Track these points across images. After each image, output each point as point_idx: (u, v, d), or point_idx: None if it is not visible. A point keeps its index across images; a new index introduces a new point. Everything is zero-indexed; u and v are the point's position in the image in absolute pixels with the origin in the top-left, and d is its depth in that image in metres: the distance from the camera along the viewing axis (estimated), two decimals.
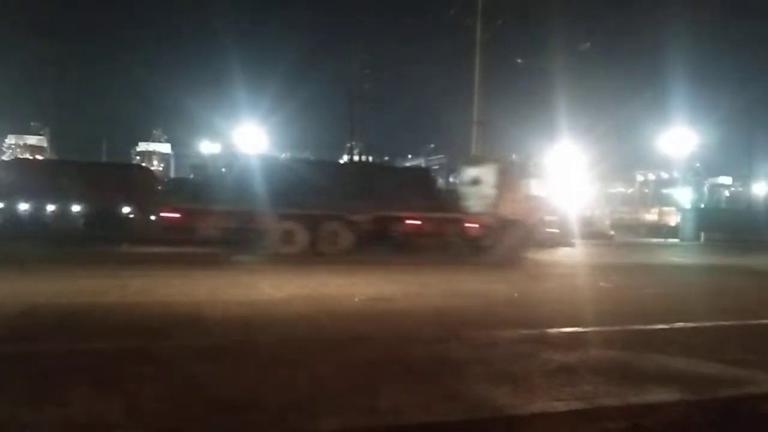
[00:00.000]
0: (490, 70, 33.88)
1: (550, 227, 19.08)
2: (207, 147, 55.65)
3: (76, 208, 27.10)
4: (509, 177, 17.41)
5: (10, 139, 71.30)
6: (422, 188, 17.37)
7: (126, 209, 28.12)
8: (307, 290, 9.25)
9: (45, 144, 71.15)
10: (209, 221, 14.85)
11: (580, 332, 6.31)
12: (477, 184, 17.26)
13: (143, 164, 35.26)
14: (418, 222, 16.22)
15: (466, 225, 16.47)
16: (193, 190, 17.02)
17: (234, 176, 15.82)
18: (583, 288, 11.30)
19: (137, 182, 29.03)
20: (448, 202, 17.44)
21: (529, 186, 17.75)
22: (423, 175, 17.62)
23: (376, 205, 15.86)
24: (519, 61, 43.65)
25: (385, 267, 13.75)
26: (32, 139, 72.94)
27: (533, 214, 17.36)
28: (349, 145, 52.03)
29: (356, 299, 8.35)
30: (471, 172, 17.82)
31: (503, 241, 16.37)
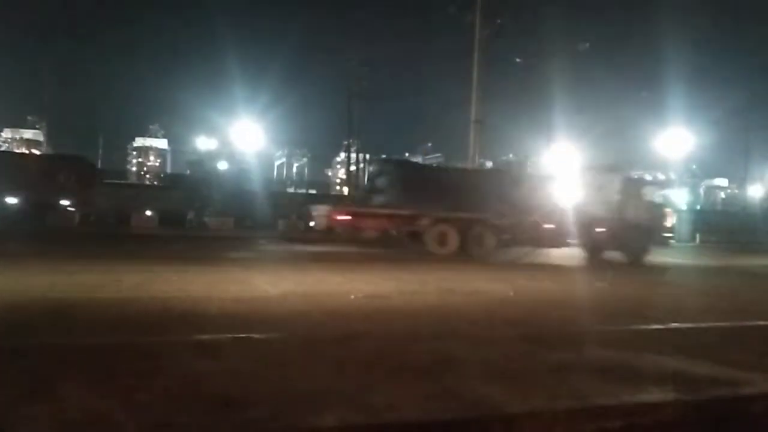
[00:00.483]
0: (489, 68, 33.89)
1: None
2: (204, 143, 55.54)
3: (11, 199, 26.14)
4: (633, 185, 19.16)
5: (6, 133, 71.05)
6: (548, 194, 18.69)
7: (64, 202, 27.02)
8: (303, 287, 9.25)
9: (41, 138, 70.84)
10: (374, 224, 16.65)
11: (576, 331, 6.32)
12: (602, 190, 18.70)
13: (83, 156, 34.04)
14: (552, 226, 17.52)
15: (596, 229, 18.18)
16: (364, 195, 18.68)
17: (398, 182, 17.03)
18: (578, 288, 11.32)
19: (76, 174, 27.99)
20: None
21: (650, 194, 19.32)
22: (548, 182, 19.37)
23: (515, 210, 17.04)
24: (518, 60, 43.70)
25: (383, 265, 13.76)
26: (28, 133, 72.72)
27: (656, 220, 19.04)
28: (346, 142, 52.02)
29: (352, 296, 8.35)
30: (597, 179, 19.42)
31: (628, 244, 17.79)
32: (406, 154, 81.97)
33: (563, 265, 16.32)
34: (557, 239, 17.64)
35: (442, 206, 16.39)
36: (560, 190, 18.81)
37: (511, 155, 70.98)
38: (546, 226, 17.25)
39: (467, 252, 16.30)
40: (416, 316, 7.14)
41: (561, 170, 29.18)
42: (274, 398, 3.55)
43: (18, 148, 70.01)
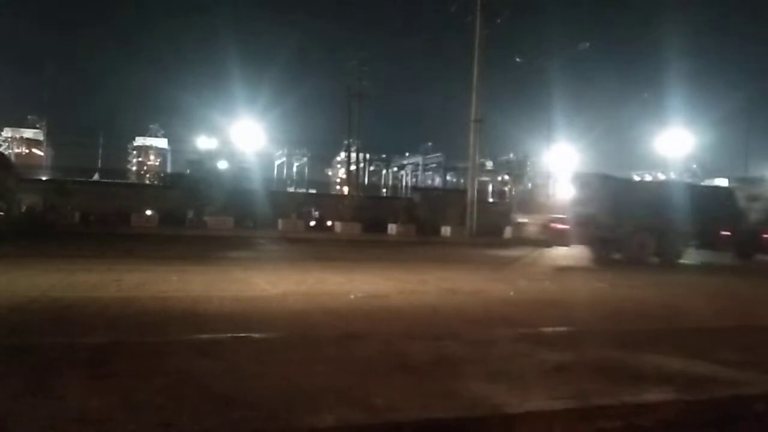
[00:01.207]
0: (489, 68, 33.88)
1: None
2: (204, 142, 55.48)
3: None
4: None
5: (7, 132, 70.78)
6: (735, 206, 20.53)
7: None
8: (303, 287, 9.25)
9: (41, 137, 70.73)
10: (580, 232, 18.41)
11: (575, 331, 6.32)
12: (756, 200, 21.39)
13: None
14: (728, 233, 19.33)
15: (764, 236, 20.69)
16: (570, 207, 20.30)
17: (603, 195, 18.81)
18: (578, 288, 11.32)
19: None
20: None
21: None
22: (733, 195, 21.40)
23: (701, 219, 18.52)
24: (518, 60, 43.62)
25: (383, 265, 13.78)
26: (29, 132, 72.53)
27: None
28: (346, 142, 51.93)
29: (352, 296, 8.35)
30: (751, 190, 22.24)
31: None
32: (407, 154, 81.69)
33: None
34: (729, 244, 19.89)
35: (642, 216, 18.12)
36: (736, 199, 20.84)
37: (511, 155, 70.81)
38: (723, 233, 19.33)
39: (660, 257, 18.01)
40: (416, 315, 7.14)
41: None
42: (273, 397, 3.54)
43: (18, 148, 69.83)
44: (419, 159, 77.99)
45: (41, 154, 71.46)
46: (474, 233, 31.57)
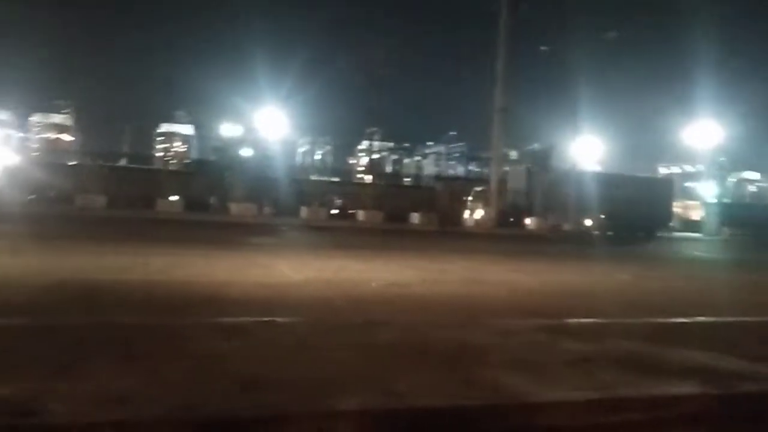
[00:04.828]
0: (514, 56, 33.50)
1: None
2: (228, 129, 55.84)
3: None
4: None
5: (36, 117, 71.95)
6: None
7: None
8: (325, 274, 9.31)
9: (70, 122, 71.74)
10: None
11: (599, 323, 6.27)
12: None
13: None
14: None
15: None
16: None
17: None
18: (601, 280, 11.22)
19: None
20: None
21: None
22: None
23: None
24: (543, 48, 43.06)
25: (405, 253, 13.80)
26: (57, 118, 73.62)
27: None
28: (368, 131, 52.00)
29: (373, 284, 8.38)
30: None
31: None
32: (430, 143, 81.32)
33: None
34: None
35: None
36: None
37: (536, 145, 70.13)
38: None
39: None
40: (439, 304, 7.15)
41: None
42: (296, 381, 3.59)
43: (47, 133, 71.01)
44: (442, 148, 77.52)
45: (70, 138, 72.52)
46: (497, 223, 31.43)
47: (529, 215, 31.15)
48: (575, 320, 6.37)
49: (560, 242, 22.39)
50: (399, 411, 3.28)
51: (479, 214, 33.83)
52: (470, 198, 35.53)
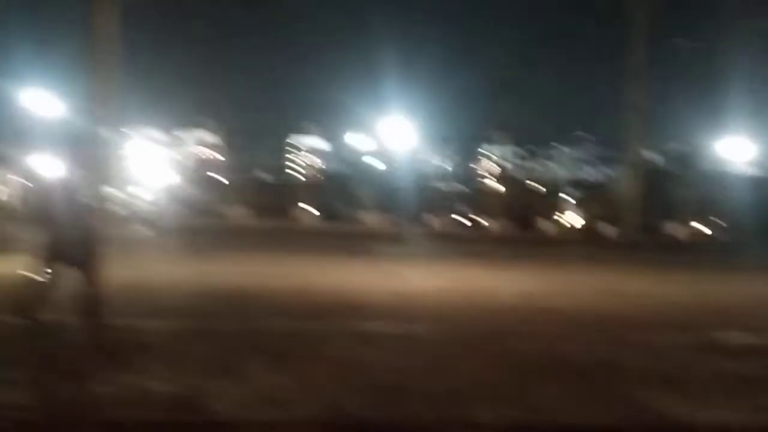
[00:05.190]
0: (650, 51, 31.57)
1: None
2: (357, 140, 57.49)
3: None
4: None
5: (185, 135, 76.48)
6: None
7: None
8: (456, 283, 9.30)
9: (215, 139, 76.26)
10: None
11: (755, 340, 5.75)
12: None
13: None
14: None
15: None
16: None
17: None
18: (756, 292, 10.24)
19: None
20: None
21: None
22: None
23: None
24: (680, 41, 40.07)
25: (536, 263, 13.47)
26: (204, 135, 78.22)
27: None
28: (493, 134, 51.17)
29: (506, 294, 8.26)
30: None
31: None
32: (554, 144, 78.24)
33: None
34: None
35: None
36: None
37: (676, 144, 65.27)
38: None
39: None
40: (575, 317, 6.91)
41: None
42: (432, 389, 3.66)
43: (195, 150, 76.05)
44: (571, 149, 74.61)
45: (216, 154, 77.49)
46: (640, 231, 29.54)
47: (668, 221, 28.82)
48: (728, 334, 5.88)
49: (710, 251, 20.63)
50: (537, 426, 3.24)
51: (580, 219, 31.91)
52: (580, 200, 33.53)
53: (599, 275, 11.32)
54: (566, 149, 75.59)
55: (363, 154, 49.05)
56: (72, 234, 4.22)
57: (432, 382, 3.85)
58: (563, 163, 79.34)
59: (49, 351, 4.28)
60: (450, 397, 3.53)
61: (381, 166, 44.87)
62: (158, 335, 4.91)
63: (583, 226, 31.46)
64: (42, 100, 20.57)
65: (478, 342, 5.10)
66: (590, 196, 38.26)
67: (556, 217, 33.45)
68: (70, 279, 4.25)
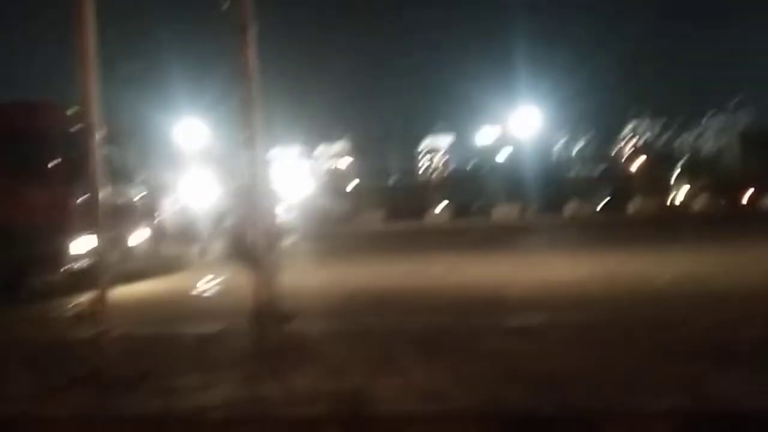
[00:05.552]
0: None
1: None
2: (486, 132, 56.71)
3: None
4: None
5: (320, 147, 78.40)
6: None
7: None
8: (604, 271, 8.95)
9: (348, 148, 77.76)
10: None
11: None
12: None
13: None
14: None
15: None
16: None
17: None
18: None
19: None
20: None
21: None
22: None
23: None
24: None
25: (686, 243, 12.57)
26: (337, 145, 79.87)
27: None
28: (634, 112, 48.17)
29: (661, 281, 7.80)
30: None
31: None
32: (707, 114, 71.63)
33: None
34: None
35: None
36: None
37: None
38: None
39: None
40: (741, 300, 6.37)
41: None
42: (594, 381, 3.59)
43: (330, 161, 78.23)
44: (724, 118, 68.01)
45: (349, 163, 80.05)
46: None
47: None
48: None
49: None
50: (712, 413, 3.07)
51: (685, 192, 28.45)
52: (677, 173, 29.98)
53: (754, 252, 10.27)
54: (722, 117, 69.15)
55: (494, 148, 48.36)
56: (248, 242, 4.77)
57: (591, 372, 3.77)
58: (718, 134, 72.37)
59: (225, 354, 4.75)
60: (612, 387, 3.44)
61: (512, 157, 44.01)
62: (318, 336, 5.25)
63: (709, 200, 28.54)
64: (196, 130, 22.64)
65: (637, 330, 4.89)
66: (704, 169, 34.65)
67: (687, 194, 30.70)
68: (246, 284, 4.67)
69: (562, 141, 76.71)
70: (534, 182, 36.79)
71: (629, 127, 62.63)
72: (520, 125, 47.75)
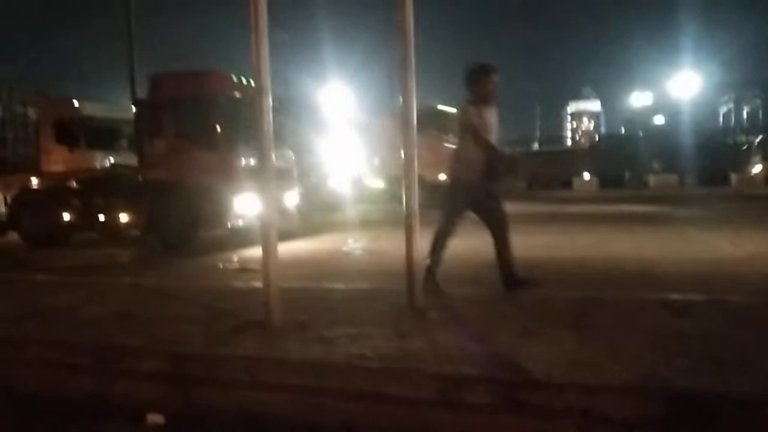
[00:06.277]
0: None
1: None
2: (637, 98, 52.99)
3: None
4: None
5: (571, 107, 72.25)
6: None
7: None
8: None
9: (599, 108, 72.78)
10: None
11: None
12: None
13: None
14: None
15: None
16: None
17: None
18: None
19: None
20: None
21: None
22: None
23: None
24: None
25: None
26: (586, 104, 74.90)
27: None
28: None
29: None
30: None
31: None
32: None
33: None
34: None
35: None
36: None
37: None
38: None
39: None
40: None
41: None
42: (752, 360, 3.34)
43: (578, 121, 73.12)
44: None
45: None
46: None
47: None
48: None
49: None
50: None
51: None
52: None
53: None
54: None
55: (647, 113, 45.10)
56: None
57: (753, 352, 3.51)
58: None
59: (374, 311, 4.98)
60: None
61: (669, 124, 40.75)
62: (464, 300, 5.33)
63: None
64: (342, 95, 23.44)
65: None
66: None
67: None
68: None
69: (725, 107, 69.40)
70: (694, 150, 33.86)
71: None
72: (677, 89, 44.01)
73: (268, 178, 4.60)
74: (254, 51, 4.41)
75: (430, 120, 17.14)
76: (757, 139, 27.14)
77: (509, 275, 5.42)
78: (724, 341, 3.79)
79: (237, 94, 10.69)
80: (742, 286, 5.67)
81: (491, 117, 5.36)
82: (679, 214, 15.34)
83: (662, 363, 3.40)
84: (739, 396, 2.96)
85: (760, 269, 6.64)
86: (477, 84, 5.29)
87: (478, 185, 5.31)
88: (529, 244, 9.48)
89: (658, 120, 42.49)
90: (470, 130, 5.25)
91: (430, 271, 5.46)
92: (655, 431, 2.96)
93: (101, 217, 11.56)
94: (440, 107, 18.99)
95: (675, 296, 5.16)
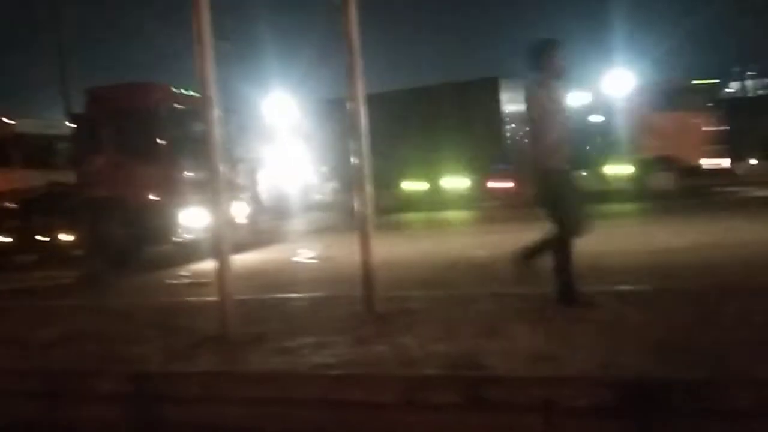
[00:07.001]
0: None
1: None
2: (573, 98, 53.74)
3: None
4: None
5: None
6: None
7: None
8: (712, 238, 8.42)
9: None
10: None
11: None
12: None
13: None
14: None
15: None
16: None
17: None
18: None
19: None
20: None
21: None
22: None
23: None
24: None
25: None
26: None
27: None
28: (737, 69, 44.24)
29: None
30: None
31: None
32: None
33: None
34: None
35: None
36: None
37: None
38: None
39: None
40: None
41: None
42: (706, 347, 3.49)
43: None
44: None
45: None
46: None
47: None
48: None
49: None
50: None
51: None
52: None
53: None
54: None
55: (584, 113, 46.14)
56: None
57: (700, 339, 3.68)
58: None
59: (332, 318, 4.98)
60: (727, 355, 3.33)
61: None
62: (422, 303, 5.35)
63: None
64: (285, 104, 23.26)
65: (747, 296, 4.64)
66: None
67: None
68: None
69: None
70: None
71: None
72: (611, 87, 45.13)
73: (217, 189, 4.54)
74: (198, 61, 4.36)
75: (683, 97, 15.26)
76: None
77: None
78: (667, 328, 3.96)
79: (178, 106, 10.47)
80: (684, 274, 5.85)
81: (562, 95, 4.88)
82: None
83: (614, 352, 3.52)
84: (690, 380, 3.08)
85: (700, 258, 6.81)
86: (549, 59, 4.68)
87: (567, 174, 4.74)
88: (482, 243, 9.59)
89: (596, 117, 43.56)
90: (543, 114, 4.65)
91: (567, 284, 4.65)
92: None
93: (41, 238, 11.13)
94: (694, 82, 16.60)
95: (624, 288, 5.32)
